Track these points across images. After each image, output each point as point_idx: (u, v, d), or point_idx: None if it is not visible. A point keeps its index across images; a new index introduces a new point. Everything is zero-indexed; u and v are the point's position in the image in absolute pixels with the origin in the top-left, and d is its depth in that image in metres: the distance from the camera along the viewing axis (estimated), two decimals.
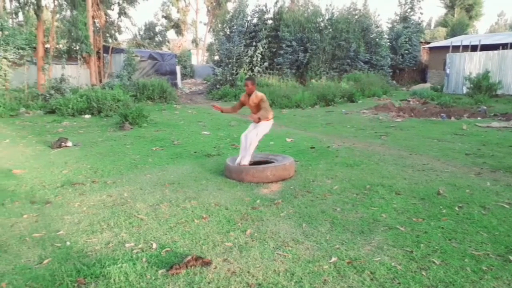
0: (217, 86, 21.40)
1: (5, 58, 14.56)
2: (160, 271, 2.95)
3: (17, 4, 20.14)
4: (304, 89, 18.51)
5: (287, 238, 3.54)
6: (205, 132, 10.04)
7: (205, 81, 29.17)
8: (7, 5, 22.05)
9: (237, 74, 21.00)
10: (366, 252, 3.26)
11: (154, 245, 3.42)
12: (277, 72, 22.33)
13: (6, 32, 15.05)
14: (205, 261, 3.05)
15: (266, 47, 22.29)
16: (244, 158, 5.73)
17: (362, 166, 6.26)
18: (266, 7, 23.69)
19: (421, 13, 29.53)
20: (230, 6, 33.78)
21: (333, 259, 3.14)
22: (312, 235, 3.62)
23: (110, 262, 3.06)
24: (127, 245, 3.46)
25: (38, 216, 4.23)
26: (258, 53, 21.70)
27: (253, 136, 5.68)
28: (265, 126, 5.79)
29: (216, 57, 24.41)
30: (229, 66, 21.26)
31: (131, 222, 4.00)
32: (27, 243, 3.55)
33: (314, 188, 5.07)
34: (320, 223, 3.90)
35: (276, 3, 23.72)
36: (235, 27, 22.18)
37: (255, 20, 23.20)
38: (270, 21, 23.70)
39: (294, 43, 22.23)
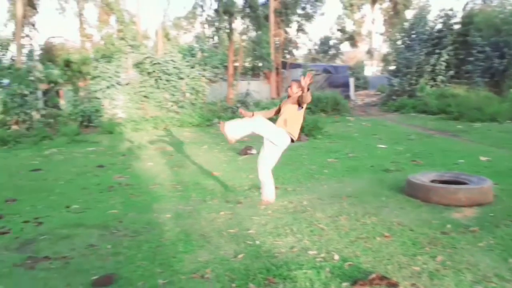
0: (393, 97, 20.44)
1: (204, 76, 17.15)
2: (343, 284, 2.94)
3: (214, 29, 23.49)
4: (500, 100, 16.00)
5: (488, 273, 3.08)
6: (381, 146, 9.68)
7: (379, 92, 28.24)
8: (206, 30, 26.03)
9: (416, 84, 19.64)
10: None
11: (336, 257, 3.44)
12: (465, 81, 19.94)
13: (205, 54, 17.73)
14: (391, 282, 2.91)
15: (451, 54, 20.19)
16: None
17: None
18: (452, 11, 21.52)
19: None
20: (409, 14, 31.93)
21: None
22: None
23: (295, 267, 3.22)
24: (310, 252, 3.57)
25: (232, 214, 4.78)
26: (442, 61, 19.82)
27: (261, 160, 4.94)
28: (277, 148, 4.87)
29: (393, 67, 23.33)
30: (408, 76, 20.06)
31: (312, 230, 4.13)
32: (224, 237, 4.04)
33: None
34: None
35: (465, 5, 21.33)
36: (415, 35, 20.84)
37: (438, 26, 21.32)
38: (456, 26, 21.41)
39: (487, 49, 19.49)
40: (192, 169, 7.81)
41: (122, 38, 16.63)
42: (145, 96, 16.44)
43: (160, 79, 16.32)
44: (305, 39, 29.27)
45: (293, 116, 4.88)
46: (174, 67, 16.40)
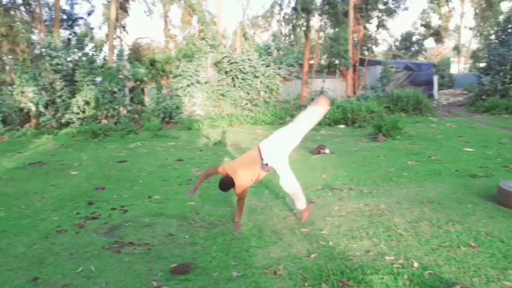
0: (483, 97, 18.73)
1: (279, 74, 17.23)
2: None
3: (290, 27, 23.48)
4: None
5: None
6: (468, 149, 8.93)
7: (465, 92, 26.11)
8: (283, 28, 26.13)
9: (510, 83, 17.82)
10: None
11: (416, 264, 3.25)
12: None
13: (281, 52, 17.78)
14: None
15: None
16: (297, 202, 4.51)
17: None
18: None
19: None
20: (505, 6, 29.02)
21: None
22: None
23: (371, 271, 3.10)
24: (387, 257, 3.41)
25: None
26: None
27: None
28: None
29: (483, 64, 21.41)
30: (501, 74, 18.26)
31: (389, 235, 3.94)
32: (296, 236, 4.02)
33: None
34: None
35: None
36: (511, 29, 18.89)
37: None
38: None
39: None
40: None
41: (203, 38, 17.31)
42: (222, 95, 16.96)
43: (237, 77, 16.72)
44: (386, 35, 28.06)
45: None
46: (250, 66, 16.70)
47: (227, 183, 4.11)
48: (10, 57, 18.03)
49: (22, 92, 15.71)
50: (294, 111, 16.73)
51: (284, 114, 16.26)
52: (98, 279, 3.19)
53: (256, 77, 16.82)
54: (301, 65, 18.32)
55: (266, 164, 4.32)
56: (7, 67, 19.64)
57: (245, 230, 4.20)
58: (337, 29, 20.52)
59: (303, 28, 19.38)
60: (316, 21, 22.82)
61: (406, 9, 25.01)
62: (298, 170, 7.24)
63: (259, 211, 4.87)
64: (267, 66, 17.09)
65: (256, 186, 6.16)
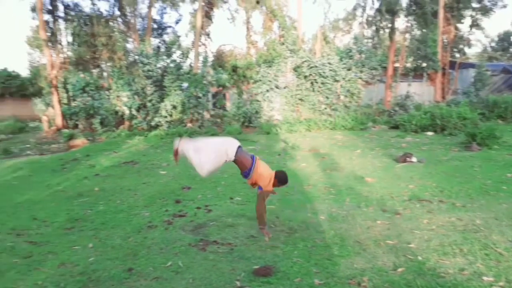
0: None
1: (360, 78, 16.73)
2: None
3: (374, 29, 22.70)
4: None
5: None
6: None
7: None
8: (365, 31, 25.34)
9: None
10: None
11: None
12: None
13: (364, 55, 17.26)
14: None
15: None
16: None
17: None
18: None
19: None
20: None
21: None
22: None
23: None
24: (484, 278, 3.11)
25: (390, 224, 4.51)
26: None
27: None
28: None
29: None
30: None
31: (487, 253, 3.59)
32: (381, 248, 3.84)
33: None
34: None
35: None
36: None
37: None
38: None
39: None
40: (345, 173, 7.68)
41: (283, 43, 17.47)
42: (300, 99, 16.94)
43: (316, 82, 16.58)
44: (480, 35, 25.75)
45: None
46: (330, 70, 16.46)
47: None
48: (108, 64, 19.88)
49: (118, 96, 17.22)
50: (377, 116, 16.11)
51: (365, 119, 15.74)
52: (185, 274, 3.35)
53: (336, 81, 16.53)
54: (384, 68, 17.58)
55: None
56: (104, 74, 21.68)
57: (326, 238, 4.12)
58: (424, 30, 19.34)
59: (388, 30, 18.60)
60: (401, 22, 21.77)
61: (504, 6, 22.63)
62: (381, 178, 6.97)
63: (340, 219, 4.74)
64: (348, 69, 16.71)
65: (336, 193, 6.06)
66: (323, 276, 3.23)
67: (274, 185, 4.31)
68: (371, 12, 21.93)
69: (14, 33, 68.18)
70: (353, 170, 7.88)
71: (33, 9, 19.62)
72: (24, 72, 31.12)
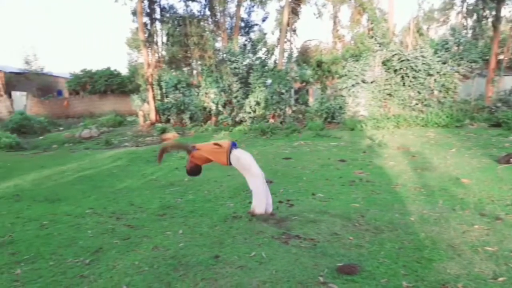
0: None
1: (457, 72, 15.40)
2: None
3: (475, 18, 20.67)
4: None
5: None
6: None
7: None
8: (464, 21, 23.21)
9: None
10: None
11: None
12: None
13: (462, 47, 15.84)
14: None
15: None
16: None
17: None
18: None
19: None
20: None
21: None
22: None
23: None
24: None
25: (489, 230, 4.11)
26: None
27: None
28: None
29: None
30: None
31: None
32: (479, 254, 3.52)
33: None
34: None
35: None
36: None
37: None
38: None
39: None
40: (438, 173, 7.15)
41: (372, 37, 16.78)
42: (389, 94, 16.15)
43: (407, 76, 15.66)
44: None
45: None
46: (423, 63, 15.41)
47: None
48: (199, 62, 20.94)
49: (206, 93, 18.09)
50: (475, 113, 14.73)
51: (462, 116, 14.49)
52: (268, 265, 3.40)
53: (429, 75, 15.45)
54: (486, 61, 15.93)
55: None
56: (194, 72, 22.86)
57: (415, 240, 3.89)
58: None
59: (491, 19, 16.80)
60: (508, 10, 19.53)
61: None
62: (479, 180, 6.37)
63: (432, 221, 4.43)
64: (444, 63, 15.49)
65: (428, 194, 5.68)
66: (412, 279, 3.06)
67: (193, 157, 4.78)
68: (472, 0, 20.01)
69: (116, 36, 75.36)
70: (447, 170, 7.32)
71: (134, 13, 21.40)
72: (124, 71, 34.15)
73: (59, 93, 33.45)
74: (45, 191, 7.03)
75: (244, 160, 4.75)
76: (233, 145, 4.82)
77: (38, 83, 30.37)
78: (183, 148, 4.87)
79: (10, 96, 28.77)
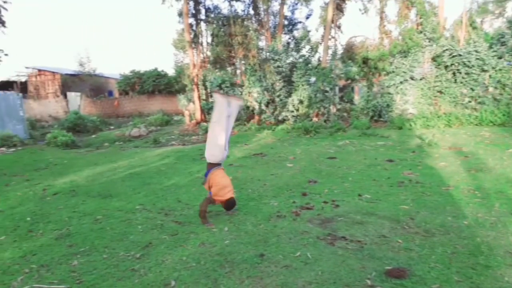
0: None
1: None
2: None
3: None
4: None
5: None
6: None
7: None
8: None
9: None
10: None
11: None
12: None
13: None
14: None
15: None
16: None
17: None
18: None
19: None
20: None
21: None
22: None
23: None
24: None
25: None
26: None
27: None
28: None
29: None
30: None
31: None
32: None
33: None
34: None
35: None
36: None
37: None
38: None
39: None
40: (494, 175, 6.74)
41: (421, 32, 16.11)
42: (439, 91, 15.44)
43: (459, 72, 14.89)
44: None
45: None
46: (477, 58, 14.59)
47: None
48: (242, 62, 21.13)
49: (249, 92, 18.20)
50: None
51: None
52: (314, 266, 3.38)
53: (484, 71, 14.59)
54: None
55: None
56: (238, 71, 23.08)
57: (469, 246, 3.70)
58: None
59: None
60: None
61: None
62: None
63: (488, 226, 4.19)
64: (500, 57, 14.57)
65: (483, 197, 5.38)
66: (466, 286, 2.91)
67: (220, 202, 4.88)
68: None
69: (163, 37, 77.76)
70: (504, 172, 6.88)
71: (180, 14, 21.93)
72: (170, 71, 35.16)
73: (110, 93, 35.09)
74: (98, 187, 7.40)
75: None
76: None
77: (91, 84, 32.04)
78: (209, 203, 4.94)
79: (65, 96, 30.60)
